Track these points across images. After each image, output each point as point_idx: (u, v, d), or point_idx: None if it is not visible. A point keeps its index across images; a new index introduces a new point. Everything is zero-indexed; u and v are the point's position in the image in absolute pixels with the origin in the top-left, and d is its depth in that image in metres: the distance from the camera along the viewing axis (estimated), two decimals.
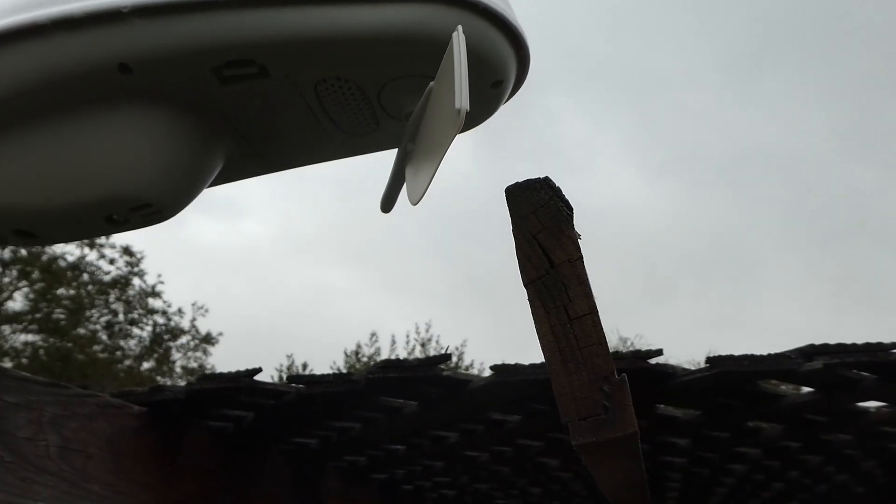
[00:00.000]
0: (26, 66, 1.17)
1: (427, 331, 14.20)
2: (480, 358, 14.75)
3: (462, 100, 0.95)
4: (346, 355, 13.63)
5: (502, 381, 1.89)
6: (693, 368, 1.89)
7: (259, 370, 2.04)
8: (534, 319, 0.88)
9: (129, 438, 2.04)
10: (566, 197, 0.91)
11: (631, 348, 12.09)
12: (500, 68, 1.27)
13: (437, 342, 13.86)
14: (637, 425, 0.84)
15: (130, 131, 1.23)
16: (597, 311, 0.86)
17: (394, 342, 13.87)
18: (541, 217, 0.91)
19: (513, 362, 1.86)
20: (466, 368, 13.86)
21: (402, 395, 2.16)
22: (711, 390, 2.02)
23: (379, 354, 13.63)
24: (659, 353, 1.82)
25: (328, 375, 1.94)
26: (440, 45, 1.20)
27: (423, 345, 13.88)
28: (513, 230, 0.92)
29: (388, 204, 1.41)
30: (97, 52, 1.15)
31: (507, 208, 0.93)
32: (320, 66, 1.23)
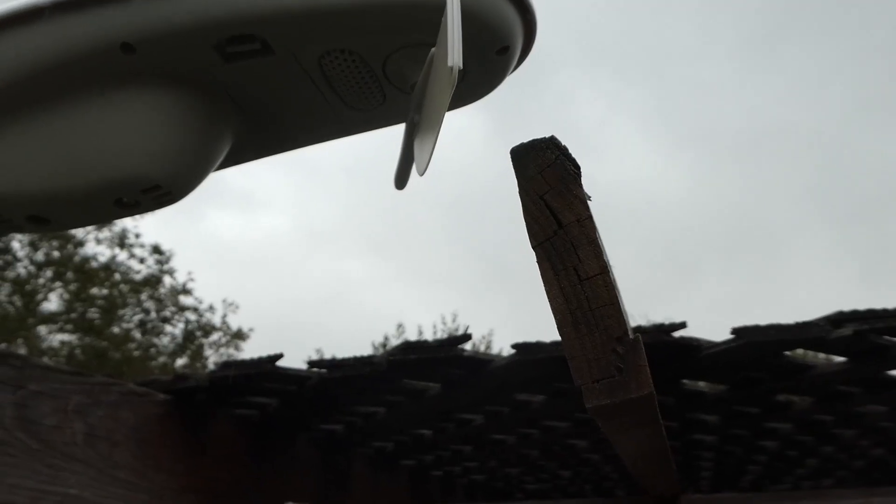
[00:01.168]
0: (28, 51, 1.17)
1: (453, 321, 14.24)
2: (507, 347, 14.77)
3: (455, 57, 0.93)
4: (374, 347, 13.74)
5: (524, 359, 1.87)
6: (720, 341, 1.84)
7: (281, 356, 2.04)
8: (543, 282, 0.86)
9: (154, 426, 2.06)
10: (573, 156, 0.89)
11: None
12: (506, 34, 1.24)
13: (463, 332, 13.87)
14: (653, 386, 0.81)
15: (137, 113, 1.23)
16: (608, 271, 0.83)
17: (420, 333, 13.94)
18: (547, 177, 0.88)
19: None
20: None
21: (425, 378, 2.15)
22: (738, 363, 1.98)
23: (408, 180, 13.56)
24: (682, 325, 1.78)
25: (349, 359, 1.94)
26: (442, 9, 1.17)
27: (449, 335, 13.90)
28: (519, 192, 0.89)
29: (401, 180, 1.40)
30: (98, 32, 1.15)
31: (513, 170, 0.91)
32: (322, 38, 1.21)
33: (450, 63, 0.93)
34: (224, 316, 17.14)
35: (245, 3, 1.14)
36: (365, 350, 13.93)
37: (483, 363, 1.95)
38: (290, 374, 2.06)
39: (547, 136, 0.94)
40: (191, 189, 1.42)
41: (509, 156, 0.95)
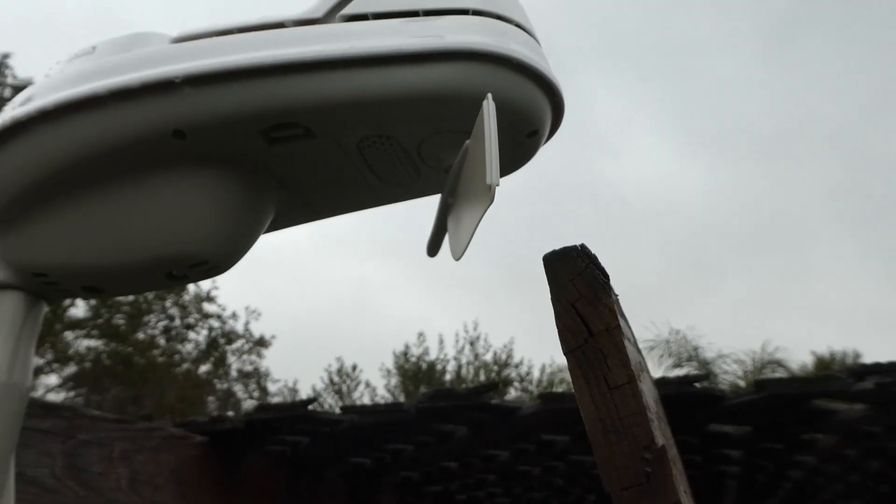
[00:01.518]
0: (88, 135, 1.25)
1: (475, 329, 14.27)
2: (529, 355, 14.76)
3: (493, 176, 0.98)
4: (395, 356, 13.80)
5: (550, 408, 1.92)
6: (742, 386, 1.88)
7: (314, 399, 2.11)
8: (574, 388, 0.91)
9: (192, 467, 2.14)
10: (601, 264, 0.94)
11: (682, 340, 11.89)
12: (536, 119, 1.30)
13: (485, 340, 13.91)
14: (678, 494, 0.86)
15: (187, 193, 1.30)
16: (635, 380, 0.88)
17: (441, 342, 13.98)
18: (578, 285, 0.93)
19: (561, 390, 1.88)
20: (516, 366, 13.89)
21: (453, 421, 2.21)
22: (761, 410, 2.01)
23: (428, 354, 13.76)
24: (706, 377, 1.82)
25: (380, 406, 2.00)
26: (476, 102, 1.23)
27: (471, 343, 13.94)
28: (552, 299, 0.94)
29: (433, 249, 1.46)
30: (153, 120, 1.22)
31: (546, 277, 0.96)
32: (362, 125, 1.28)
33: (488, 181, 0.98)
34: (247, 323, 17.34)
35: (289, 94, 1.21)
36: (386, 358, 13.98)
37: (510, 411, 2.00)
38: (324, 418, 2.13)
39: (577, 244, 1.00)
40: (236, 262, 1.50)
41: (542, 262, 1.01)
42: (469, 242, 1.12)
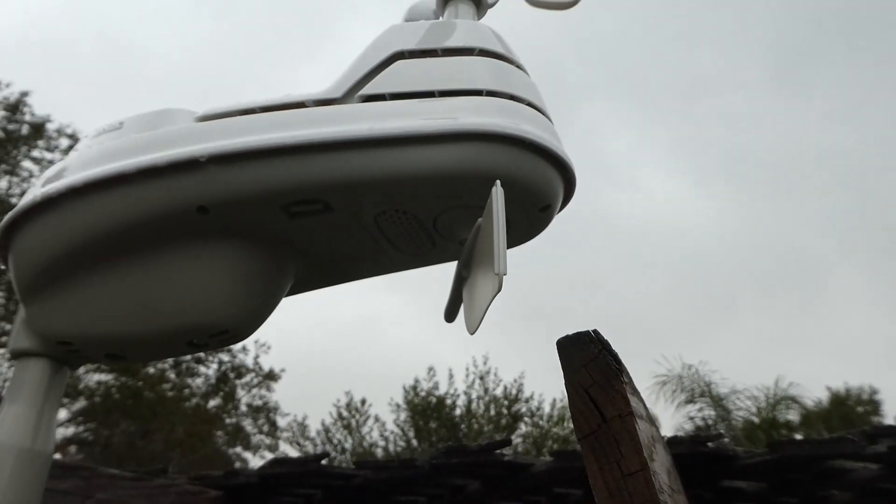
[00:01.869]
0: (115, 211, 1.29)
1: (485, 363, 14.20)
2: (540, 389, 14.61)
3: (500, 266, 1.01)
4: (405, 390, 13.71)
5: (563, 465, 1.92)
6: (755, 451, 1.88)
7: (326, 454, 2.13)
8: (588, 474, 0.93)
9: None
10: (614, 350, 0.96)
11: (694, 375, 11.74)
12: (548, 195, 1.33)
13: (494, 374, 13.80)
14: None
15: (209, 265, 1.34)
16: (648, 468, 0.90)
17: (451, 376, 13.88)
18: (591, 371, 0.96)
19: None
20: (527, 400, 13.75)
21: (466, 476, 2.21)
22: (775, 470, 2.01)
23: (437, 389, 13.67)
24: (719, 436, 1.82)
25: (393, 461, 2.01)
26: (489, 180, 1.27)
27: (481, 378, 13.82)
28: (565, 384, 0.97)
29: (450, 315, 1.49)
30: (178, 196, 1.26)
31: (559, 362, 0.99)
32: (380, 202, 1.32)
33: (496, 271, 1.01)
34: (256, 357, 17.32)
35: (309, 173, 1.25)
36: (396, 393, 13.91)
37: (523, 467, 2.00)
38: (337, 473, 2.14)
39: (590, 329, 1.02)
40: (255, 329, 1.53)
41: (555, 347, 1.03)
42: (482, 321, 1.15)
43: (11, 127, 12.45)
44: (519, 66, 1.38)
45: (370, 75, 1.32)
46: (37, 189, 1.36)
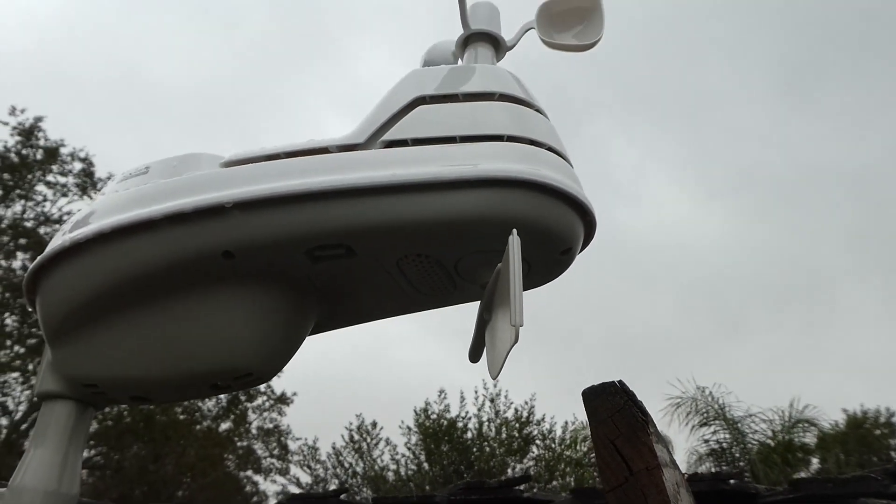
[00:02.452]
0: (142, 256, 1.31)
1: (495, 385, 14.11)
2: (551, 411, 14.51)
3: (517, 317, 1.02)
4: (416, 413, 13.63)
5: (582, 502, 1.91)
6: (777, 489, 1.87)
7: (345, 489, 2.13)
8: None
9: None
10: (640, 401, 0.97)
11: (709, 396, 11.63)
12: (569, 238, 1.34)
13: (505, 397, 13.71)
14: None
15: (233, 309, 1.35)
16: None
17: (462, 398, 13.78)
18: (617, 422, 0.96)
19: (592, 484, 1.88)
20: (538, 423, 13.65)
21: None
22: None
23: (448, 412, 13.57)
24: (739, 475, 1.81)
25: (412, 497, 2.01)
26: (512, 225, 1.28)
27: (491, 400, 13.72)
28: (591, 435, 0.97)
29: (475, 356, 1.50)
30: (204, 242, 1.28)
31: (585, 412, 0.99)
32: (402, 246, 1.33)
33: (512, 322, 1.02)
34: None
35: (333, 219, 1.27)
36: (407, 416, 13.84)
37: (542, 503, 1.99)
38: None
39: (616, 380, 1.03)
40: (278, 372, 1.54)
41: (581, 397, 1.04)
42: (502, 368, 1.16)
43: (26, 152, 12.62)
44: (538, 110, 1.40)
45: (392, 120, 1.34)
46: (64, 234, 1.39)
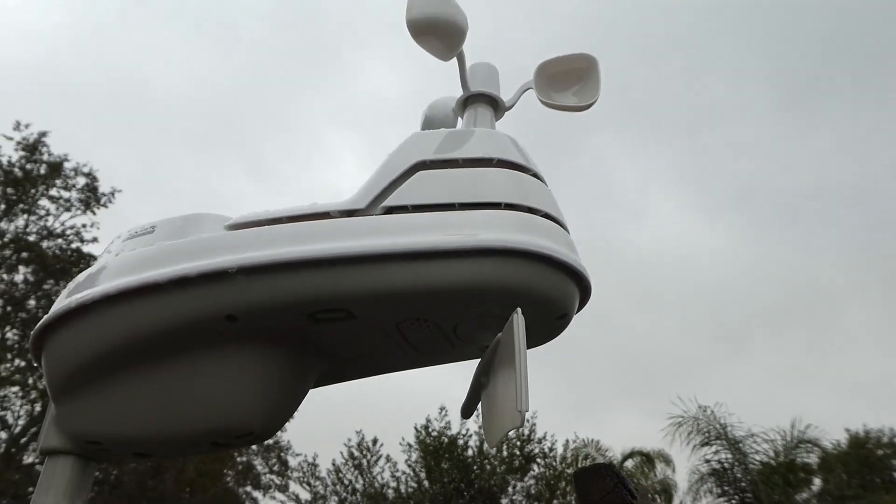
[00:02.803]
0: (147, 319, 1.33)
1: None
2: (553, 429, 14.46)
3: (523, 403, 1.04)
4: (416, 430, 13.58)
5: None
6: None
7: None
8: None
9: None
10: (630, 485, 0.99)
11: (710, 415, 11.61)
12: (565, 304, 1.37)
13: None
14: None
15: (235, 369, 1.38)
16: None
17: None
18: None
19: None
20: (539, 441, 13.57)
21: None
22: None
23: (449, 429, 13.52)
24: None
25: None
26: (510, 293, 1.31)
27: None
28: None
29: (467, 412, 1.52)
30: (207, 305, 1.30)
31: (575, 493, 1.01)
32: (401, 311, 1.35)
33: (518, 408, 1.04)
34: None
35: (335, 285, 1.29)
36: (407, 432, 13.80)
37: None
38: None
39: (606, 462, 1.05)
40: (279, 429, 1.56)
41: (572, 479, 1.06)
42: (502, 439, 1.18)
43: (30, 166, 12.68)
44: (536, 175, 1.42)
45: (393, 185, 1.37)
46: (70, 293, 1.42)
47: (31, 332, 1.44)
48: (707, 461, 11.33)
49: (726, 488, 11.42)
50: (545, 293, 1.32)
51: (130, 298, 1.33)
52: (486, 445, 13.70)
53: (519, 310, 1.17)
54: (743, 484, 11.22)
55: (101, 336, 1.36)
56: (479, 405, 1.39)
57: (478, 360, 1.42)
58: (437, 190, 1.35)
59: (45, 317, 1.41)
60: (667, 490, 12.14)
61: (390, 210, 1.36)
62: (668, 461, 12.19)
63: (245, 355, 1.37)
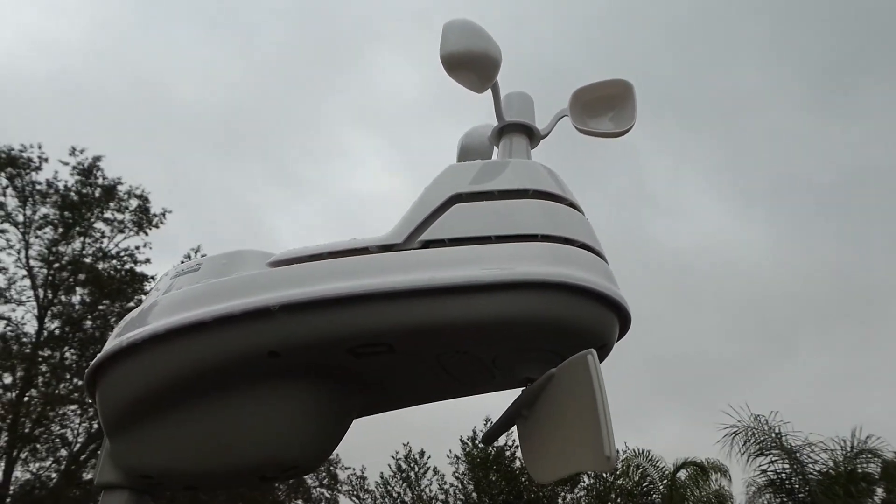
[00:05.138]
0: (193, 356, 1.38)
1: None
2: None
3: (611, 448, 1.05)
4: (463, 442, 13.57)
5: None
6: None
7: None
8: None
9: None
10: None
11: (765, 425, 11.27)
12: (604, 335, 1.36)
13: None
14: None
15: (279, 406, 1.41)
16: None
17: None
18: None
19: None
20: None
21: None
22: None
23: (496, 440, 13.43)
24: None
25: None
26: (548, 325, 1.31)
27: None
28: None
29: (490, 439, 1.53)
30: (251, 342, 1.35)
31: None
32: (441, 345, 1.37)
33: (606, 453, 1.05)
34: None
35: (374, 321, 1.31)
36: (454, 444, 13.77)
37: None
38: None
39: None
40: (323, 462, 1.59)
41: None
42: (555, 480, 1.19)
43: (85, 190, 13.12)
44: (572, 204, 1.42)
45: (430, 219, 1.39)
46: (121, 333, 1.47)
47: (86, 371, 1.50)
48: (763, 471, 11.00)
49: (784, 498, 11.08)
50: (583, 325, 1.32)
51: (178, 337, 1.38)
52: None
53: (594, 351, 1.18)
54: (801, 495, 10.87)
55: (152, 373, 1.41)
56: (518, 436, 1.39)
57: (515, 400, 1.42)
58: (473, 223, 1.37)
59: (98, 356, 1.47)
60: (722, 502, 11.83)
61: (427, 244, 1.38)
62: (723, 472, 11.89)
63: (288, 391, 1.41)
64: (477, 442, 13.84)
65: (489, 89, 1.49)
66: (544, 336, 1.24)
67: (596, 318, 1.30)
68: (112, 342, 1.46)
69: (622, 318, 1.37)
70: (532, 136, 1.59)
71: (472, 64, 1.43)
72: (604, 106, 1.58)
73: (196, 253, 12.97)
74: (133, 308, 1.61)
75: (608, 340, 1.33)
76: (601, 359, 1.42)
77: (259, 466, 1.40)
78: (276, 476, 1.42)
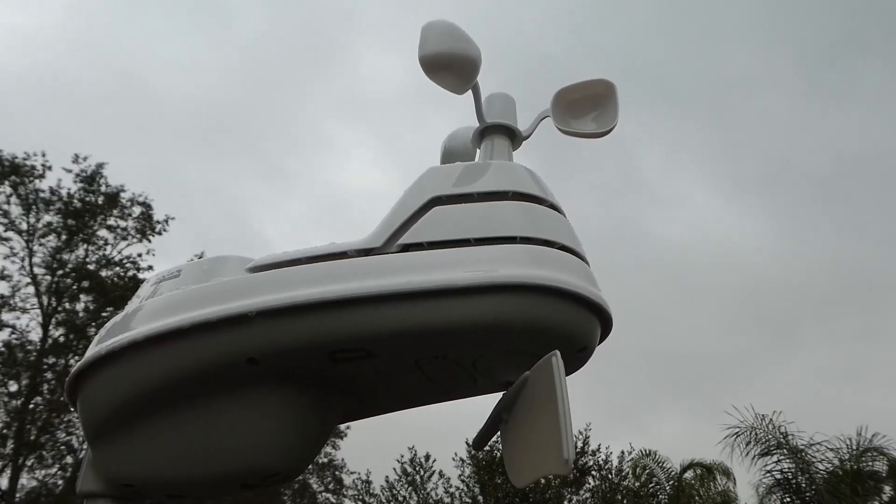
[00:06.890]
0: (172, 362, 1.37)
1: None
2: (607, 441, 14.18)
3: (569, 451, 1.04)
4: (468, 445, 13.50)
5: None
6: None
7: None
8: None
9: None
10: None
11: (769, 424, 11.20)
12: (584, 337, 1.35)
13: None
14: None
15: (259, 413, 1.40)
16: None
17: None
18: None
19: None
20: (593, 453, 13.34)
21: None
22: None
23: (486, 445, 13.32)
24: None
25: None
26: (527, 328, 1.29)
27: None
28: None
29: (479, 444, 1.52)
30: (229, 349, 1.34)
31: None
32: (419, 349, 1.36)
33: (564, 456, 1.04)
34: None
35: (352, 325, 1.31)
36: (459, 447, 13.75)
37: None
38: None
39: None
40: (304, 470, 1.58)
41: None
42: (531, 482, 1.18)
43: (88, 198, 13.16)
44: (553, 205, 1.41)
45: (409, 222, 1.37)
46: (101, 341, 1.46)
47: (66, 379, 1.50)
48: (769, 472, 10.93)
49: (791, 497, 11.02)
50: (563, 327, 1.31)
51: (156, 344, 1.37)
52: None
53: (557, 352, 1.16)
54: (808, 495, 10.80)
55: (131, 381, 1.40)
56: (500, 440, 1.37)
57: (497, 403, 1.41)
58: (452, 226, 1.36)
59: (78, 364, 1.46)
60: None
61: (406, 248, 1.37)
62: (727, 473, 11.82)
63: (267, 398, 1.40)
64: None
65: (469, 90, 1.48)
66: (524, 339, 1.23)
67: (576, 321, 1.29)
68: (92, 349, 1.46)
69: (603, 321, 1.35)
70: (514, 137, 1.58)
71: (451, 66, 1.42)
72: (586, 106, 1.57)
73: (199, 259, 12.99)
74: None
75: (589, 343, 1.32)
76: (583, 361, 1.41)
77: (240, 474, 1.39)
78: (258, 483, 1.40)
